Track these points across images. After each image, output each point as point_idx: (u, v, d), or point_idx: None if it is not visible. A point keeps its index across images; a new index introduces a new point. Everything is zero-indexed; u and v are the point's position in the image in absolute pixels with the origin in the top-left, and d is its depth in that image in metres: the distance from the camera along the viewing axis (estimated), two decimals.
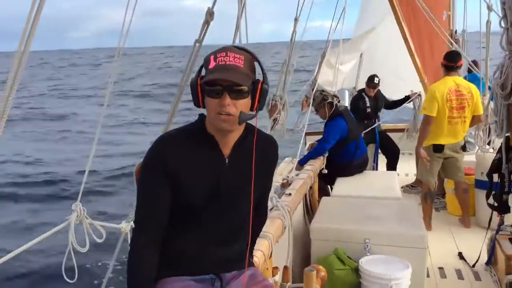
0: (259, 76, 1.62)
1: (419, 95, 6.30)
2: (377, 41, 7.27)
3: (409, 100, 6.32)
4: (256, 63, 1.61)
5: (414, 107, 6.37)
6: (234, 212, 1.68)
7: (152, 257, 1.58)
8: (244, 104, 1.54)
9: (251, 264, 1.85)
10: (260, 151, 1.65)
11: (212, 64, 1.52)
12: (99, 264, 5.78)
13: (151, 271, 1.59)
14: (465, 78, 5.45)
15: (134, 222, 1.64)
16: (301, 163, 4.53)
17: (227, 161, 1.63)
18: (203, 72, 1.58)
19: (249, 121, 1.65)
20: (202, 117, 1.65)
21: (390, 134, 6.37)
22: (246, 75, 1.53)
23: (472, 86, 4.61)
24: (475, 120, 4.60)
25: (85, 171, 2.39)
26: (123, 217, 2.43)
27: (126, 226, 2.47)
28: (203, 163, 1.61)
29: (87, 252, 2.28)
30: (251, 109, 1.58)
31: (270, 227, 2.50)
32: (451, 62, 4.57)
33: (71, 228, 2.22)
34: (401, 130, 6.65)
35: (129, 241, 2.43)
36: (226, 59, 1.51)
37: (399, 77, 7.11)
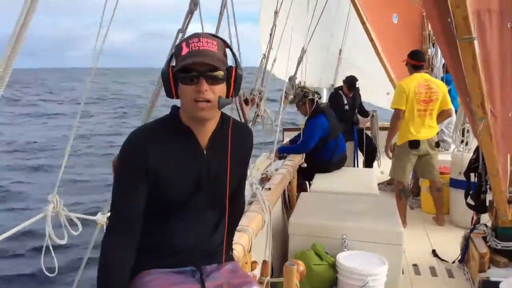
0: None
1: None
2: (352, 40, 7.33)
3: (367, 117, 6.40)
4: (228, 50, 1.57)
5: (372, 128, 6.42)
6: (214, 203, 1.65)
7: (124, 257, 1.52)
8: (220, 90, 1.50)
9: (231, 256, 1.83)
10: (236, 140, 1.63)
11: (185, 51, 1.48)
12: (74, 257, 5.67)
13: (123, 272, 1.53)
14: (442, 78, 5.55)
15: (108, 218, 1.58)
16: (281, 150, 4.61)
17: (205, 152, 1.60)
18: (173, 62, 1.53)
19: (224, 111, 1.62)
20: (175, 108, 1.61)
21: (368, 132, 6.43)
22: (220, 60, 1.50)
23: (440, 82, 4.75)
24: (444, 114, 4.69)
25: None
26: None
27: (102, 218, 2.42)
28: (182, 155, 1.57)
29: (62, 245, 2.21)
30: (227, 96, 1.54)
31: (250, 221, 2.48)
32: (418, 61, 4.69)
33: (48, 220, 2.14)
34: (379, 129, 6.71)
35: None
36: (200, 44, 1.47)
37: (374, 78, 7.18)
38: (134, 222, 1.54)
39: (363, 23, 5.93)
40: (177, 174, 1.56)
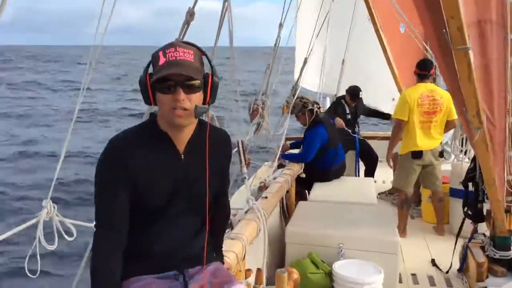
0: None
1: None
2: (358, 46, 7.34)
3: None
4: (204, 57, 1.62)
5: None
6: (194, 207, 1.68)
7: (115, 260, 1.56)
8: (197, 98, 1.55)
9: (214, 258, 1.84)
10: (213, 146, 1.66)
11: (162, 60, 1.51)
12: (72, 263, 5.69)
13: (115, 274, 1.56)
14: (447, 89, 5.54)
15: (94, 225, 1.60)
16: (283, 156, 4.72)
17: (182, 157, 1.63)
18: (150, 69, 1.57)
19: (201, 117, 1.65)
20: (153, 115, 1.65)
21: (370, 142, 6.43)
22: (197, 69, 1.54)
23: (445, 92, 4.70)
24: (450, 125, 4.67)
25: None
26: None
27: None
28: (160, 161, 1.60)
29: (62, 251, 2.23)
30: (203, 103, 1.58)
31: (245, 229, 2.50)
32: (423, 70, 4.65)
33: (40, 225, 2.17)
34: (381, 138, 6.71)
35: None
36: (176, 54, 1.51)
37: (380, 83, 7.20)
38: (120, 226, 1.57)
39: (377, 31, 5.97)
40: (155, 179, 1.59)
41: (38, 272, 2.13)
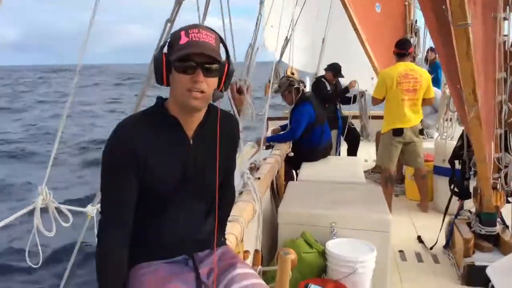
0: None
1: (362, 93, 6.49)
2: (339, 25, 7.31)
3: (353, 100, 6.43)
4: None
5: (361, 108, 6.55)
6: (202, 192, 1.66)
7: (121, 252, 1.53)
8: (214, 82, 1.53)
9: (223, 242, 1.84)
10: (224, 130, 1.64)
11: (184, 40, 1.48)
12: (64, 248, 5.61)
13: (121, 267, 1.54)
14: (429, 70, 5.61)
15: (100, 214, 1.56)
16: (268, 139, 4.72)
17: (191, 142, 1.60)
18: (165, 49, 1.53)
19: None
20: (161, 99, 1.61)
21: (352, 120, 6.46)
22: (218, 53, 1.52)
23: (424, 71, 4.79)
24: (426, 102, 4.77)
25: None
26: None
27: (92, 210, 2.40)
28: (168, 146, 1.57)
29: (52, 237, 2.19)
30: (217, 89, 1.56)
31: (242, 211, 2.49)
32: (401, 49, 4.72)
33: (37, 212, 2.12)
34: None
35: (95, 225, 2.37)
36: (199, 35, 1.48)
37: (359, 62, 7.20)
38: (128, 214, 1.54)
39: (347, 11, 5.94)
40: (164, 165, 1.56)
41: (40, 262, 2.08)
